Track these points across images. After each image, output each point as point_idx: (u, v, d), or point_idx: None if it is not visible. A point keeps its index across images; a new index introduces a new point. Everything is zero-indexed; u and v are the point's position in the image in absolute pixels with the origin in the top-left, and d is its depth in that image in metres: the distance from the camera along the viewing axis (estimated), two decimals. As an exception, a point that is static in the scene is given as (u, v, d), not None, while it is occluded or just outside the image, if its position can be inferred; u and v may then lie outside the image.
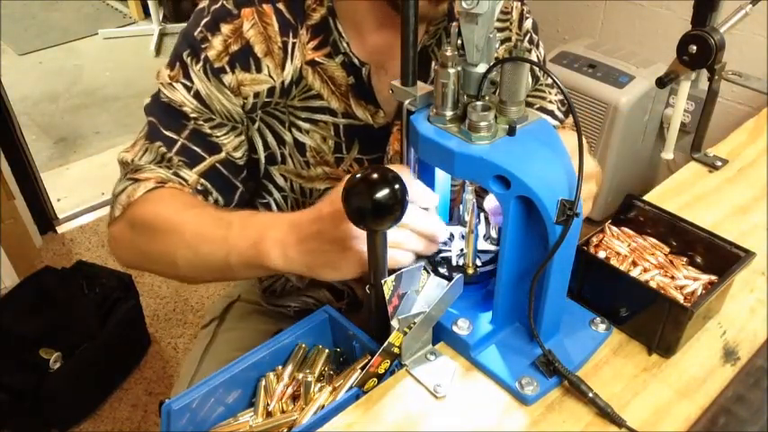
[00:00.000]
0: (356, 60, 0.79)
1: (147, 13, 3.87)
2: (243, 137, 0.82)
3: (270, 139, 0.83)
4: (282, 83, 0.79)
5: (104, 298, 1.74)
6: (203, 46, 0.76)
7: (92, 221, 2.38)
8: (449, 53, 0.57)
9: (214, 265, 0.71)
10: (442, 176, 0.72)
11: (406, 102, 0.61)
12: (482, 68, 0.57)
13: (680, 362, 0.67)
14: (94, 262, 1.93)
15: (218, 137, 0.80)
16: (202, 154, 0.80)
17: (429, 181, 0.71)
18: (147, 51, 3.51)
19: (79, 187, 2.53)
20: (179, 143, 0.79)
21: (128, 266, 0.85)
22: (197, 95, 0.78)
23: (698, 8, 0.86)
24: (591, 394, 0.61)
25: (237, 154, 0.82)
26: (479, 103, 0.57)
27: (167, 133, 0.79)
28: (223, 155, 0.81)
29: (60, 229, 2.35)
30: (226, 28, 0.76)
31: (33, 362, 1.56)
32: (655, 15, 1.99)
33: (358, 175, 0.56)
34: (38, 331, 1.61)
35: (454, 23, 0.57)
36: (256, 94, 0.78)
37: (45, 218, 2.31)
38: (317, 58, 0.79)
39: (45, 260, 2.15)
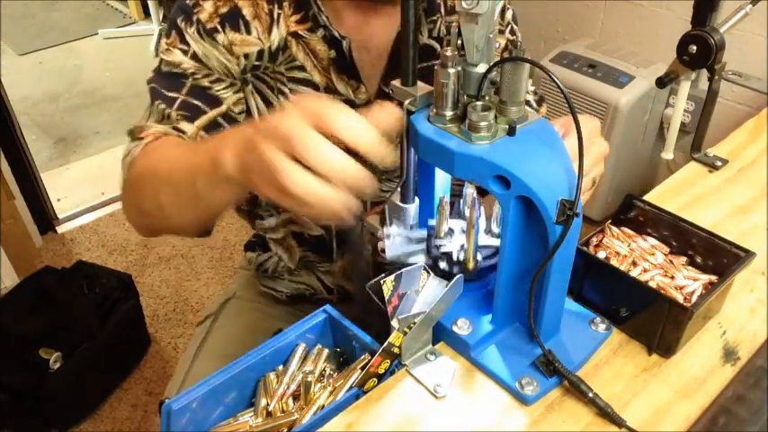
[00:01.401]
0: (336, 33, 0.81)
1: (147, 13, 3.87)
2: (241, 94, 0.84)
3: (260, 104, 0.85)
4: (270, 47, 0.81)
5: (104, 298, 1.74)
6: (195, 10, 0.80)
7: (92, 221, 2.38)
8: (449, 53, 0.57)
9: (187, 195, 0.67)
10: (442, 176, 0.72)
11: (406, 102, 0.61)
12: (482, 68, 0.57)
13: (680, 362, 0.67)
14: (94, 262, 1.93)
15: (218, 90, 0.82)
16: (203, 107, 0.81)
17: (429, 181, 0.71)
18: (147, 51, 3.51)
19: (79, 187, 2.53)
20: (179, 100, 0.80)
21: (139, 231, 0.85)
22: (194, 56, 0.81)
23: (698, 8, 0.85)
24: (591, 394, 0.61)
25: (237, 109, 0.84)
26: (479, 103, 0.57)
27: (168, 93, 0.81)
28: (224, 108, 0.82)
29: (60, 229, 2.35)
30: None
31: (33, 362, 1.56)
32: (655, 15, 1.99)
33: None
34: (38, 331, 1.62)
35: (454, 23, 0.57)
36: (246, 56, 0.81)
37: (45, 218, 2.31)
38: (299, 31, 0.81)
39: (45, 260, 2.15)
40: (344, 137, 0.51)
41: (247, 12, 0.80)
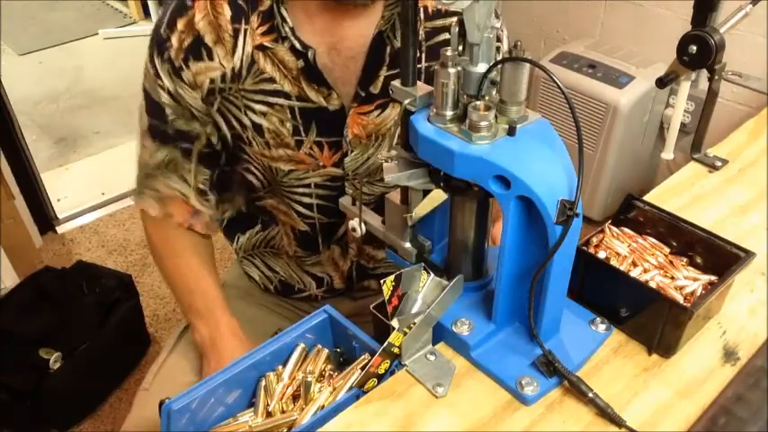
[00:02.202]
0: (298, 45, 0.81)
1: (147, 13, 3.87)
2: (211, 126, 0.88)
3: (233, 122, 0.87)
4: (233, 68, 0.83)
5: (104, 298, 1.74)
6: (167, 45, 0.82)
7: (92, 221, 2.38)
8: (449, 53, 0.57)
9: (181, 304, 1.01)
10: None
11: (406, 102, 0.61)
12: (482, 68, 0.57)
13: (680, 362, 0.67)
14: (94, 262, 1.93)
15: (193, 128, 0.87)
16: (189, 146, 0.88)
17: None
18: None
19: (79, 187, 2.53)
20: (170, 145, 0.88)
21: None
22: (169, 93, 0.85)
23: (698, 8, 0.85)
24: (591, 394, 0.61)
25: (214, 139, 0.89)
26: (479, 102, 0.57)
27: (165, 129, 0.88)
28: (204, 140, 0.89)
29: (60, 229, 2.35)
30: (181, 23, 0.81)
31: (33, 362, 1.56)
32: (655, 15, 1.99)
33: None
34: (38, 331, 1.61)
35: (454, 23, 0.57)
36: (212, 80, 0.83)
37: (45, 218, 2.31)
38: (265, 43, 0.82)
39: (45, 260, 2.15)
40: None
41: (209, 38, 0.81)
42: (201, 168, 0.91)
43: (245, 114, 0.86)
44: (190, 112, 0.86)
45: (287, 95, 0.84)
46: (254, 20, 0.81)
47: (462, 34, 0.57)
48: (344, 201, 0.77)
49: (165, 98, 0.85)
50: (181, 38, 0.81)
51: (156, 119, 0.87)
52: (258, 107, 0.85)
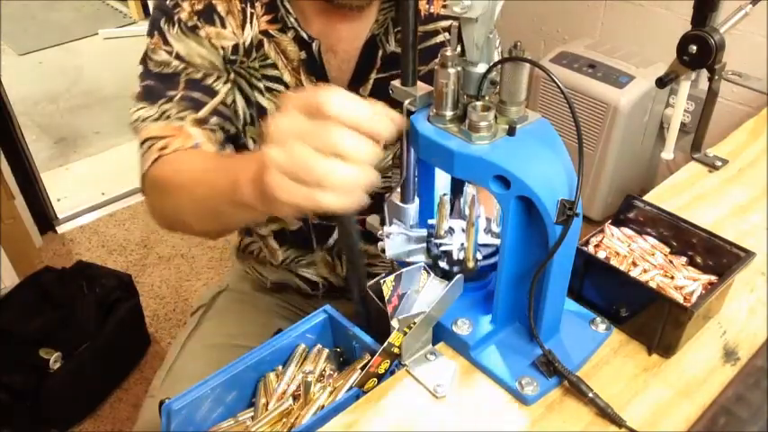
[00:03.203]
0: (305, 35, 0.82)
1: (147, 13, 3.87)
2: (230, 85, 0.86)
3: (239, 99, 0.87)
4: (244, 43, 0.83)
5: (104, 298, 1.74)
6: (176, 11, 0.82)
7: (92, 221, 2.38)
8: (449, 53, 0.57)
9: (210, 212, 0.71)
10: (442, 176, 0.72)
11: (406, 102, 0.61)
12: (482, 68, 0.57)
13: (680, 362, 0.67)
14: (94, 262, 1.93)
15: (210, 84, 0.84)
16: (203, 99, 0.83)
17: (429, 181, 0.71)
18: (148, 51, 3.51)
19: (79, 187, 2.53)
20: (179, 95, 0.82)
21: (159, 225, 0.85)
22: (178, 57, 0.83)
23: (698, 8, 0.85)
24: (591, 394, 0.61)
25: (229, 100, 0.86)
26: (479, 103, 0.57)
27: (166, 91, 0.82)
28: (221, 97, 0.84)
29: (60, 229, 2.35)
30: None
31: (33, 362, 1.56)
32: (655, 15, 1.99)
33: None
34: (38, 331, 1.61)
35: (454, 23, 0.57)
36: (223, 49, 0.83)
37: (45, 218, 2.31)
38: (270, 31, 0.83)
39: (45, 260, 2.15)
40: (344, 119, 0.51)
41: (221, 8, 0.82)
42: (210, 123, 0.82)
43: (252, 92, 0.86)
44: (208, 68, 0.83)
45: (286, 85, 0.85)
46: (258, 7, 0.82)
47: (461, 35, 0.57)
48: (372, 220, 0.73)
49: (174, 63, 0.82)
50: (192, 3, 0.81)
51: (156, 80, 0.83)
52: (262, 88, 0.86)
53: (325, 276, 1.03)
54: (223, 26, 0.82)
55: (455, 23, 0.57)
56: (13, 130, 2.14)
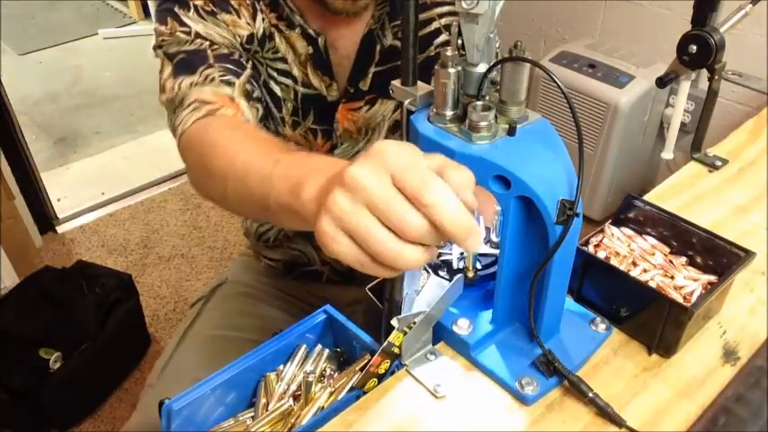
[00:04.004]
0: (311, 31, 0.83)
1: (147, 13, 3.87)
2: (250, 68, 0.82)
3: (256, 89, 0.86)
4: (257, 33, 0.83)
5: (104, 298, 1.74)
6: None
7: (92, 221, 2.38)
8: (449, 53, 0.57)
9: (257, 202, 0.62)
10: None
11: (406, 102, 0.61)
12: (482, 68, 0.57)
13: (680, 362, 0.67)
14: (94, 262, 1.93)
15: (237, 58, 0.80)
16: (236, 69, 0.79)
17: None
18: (147, 51, 3.50)
19: (79, 187, 2.53)
20: (214, 66, 0.77)
21: (198, 192, 0.78)
22: (198, 35, 0.79)
23: (698, 8, 0.85)
24: (591, 394, 0.61)
25: (254, 78, 0.84)
26: (479, 102, 0.57)
27: (194, 60, 0.78)
28: (249, 72, 0.81)
29: (60, 229, 2.35)
30: None
31: (33, 362, 1.56)
32: (655, 15, 1.99)
33: None
34: (38, 331, 1.61)
35: (455, 23, 0.57)
36: (240, 37, 0.83)
37: (45, 218, 2.31)
38: (279, 26, 0.84)
39: (45, 260, 2.15)
40: (430, 214, 0.44)
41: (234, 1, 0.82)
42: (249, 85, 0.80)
43: (266, 81, 0.87)
44: (226, 48, 0.80)
45: (294, 78, 0.87)
46: (263, 4, 0.83)
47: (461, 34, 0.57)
48: None
49: (197, 41, 0.78)
50: None
51: (186, 55, 0.79)
52: (273, 77, 0.87)
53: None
54: (238, 16, 0.82)
55: (455, 23, 0.57)
56: (13, 130, 2.14)
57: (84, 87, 3.28)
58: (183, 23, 0.80)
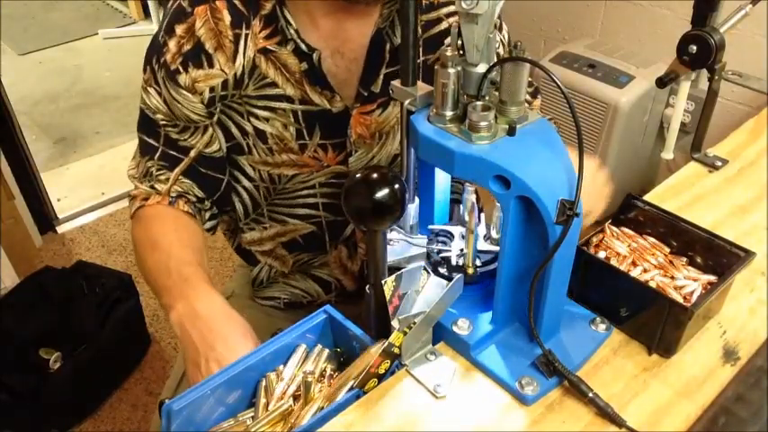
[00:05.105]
0: (304, 47, 0.81)
1: (147, 13, 3.87)
2: (211, 131, 0.86)
3: (234, 130, 0.87)
4: (234, 75, 0.82)
5: (104, 298, 1.74)
6: (164, 50, 0.81)
7: (92, 221, 2.38)
8: (449, 53, 0.57)
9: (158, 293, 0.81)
10: (442, 176, 0.72)
11: (406, 102, 0.61)
12: (482, 68, 0.57)
13: (680, 362, 0.67)
14: (94, 262, 1.93)
15: (185, 140, 0.86)
16: (179, 156, 0.87)
17: (429, 181, 0.71)
18: (147, 51, 3.51)
19: (79, 187, 2.53)
20: (159, 150, 0.87)
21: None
22: (165, 100, 0.84)
23: (698, 8, 0.85)
24: (591, 394, 0.61)
25: (210, 150, 0.88)
26: (479, 103, 0.57)
27: (149, 141, 0.88)
28: (194, 154, 0.87)
29: (60, 229, 2.35)
30: (180, 29, 0.80)
31: (33, 362, 1.56)
32: (655, 15, 1.99)
33: (358, 176, 0.56)
34: (38, 331, 1.61)
35: (454, 23, 0.57)
36: (212, 89, 0.82)
37: (45, 218, 2.31)
38: (268, 47, 0.82)
39: (45, 260, 2.15)
40: None
41: (209, 45, 0.80)
42: (183, 179, 0.88)
43: (248, 121, 0.85)
44: (185, 121, 0.84)
45: (290, 99, 0.84)
46: (256, 24, 0.81)
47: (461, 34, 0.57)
48: None
49: (159, 110, 0.85)
50: (180, 43, 0.80)
51: (145, 127, 0.88)
52: (261, 113, 0.85)
53: (338, 278, 1.02)
54: (210, 65, 0.81)
55: (455, 23, 0.57)
56: (13, 130, 2.14)
57: (83, 87, 3.28)
58: (156, 80, 0.84)
